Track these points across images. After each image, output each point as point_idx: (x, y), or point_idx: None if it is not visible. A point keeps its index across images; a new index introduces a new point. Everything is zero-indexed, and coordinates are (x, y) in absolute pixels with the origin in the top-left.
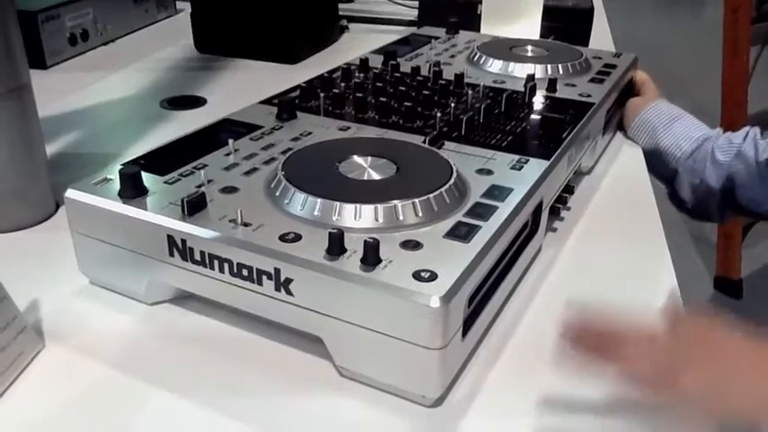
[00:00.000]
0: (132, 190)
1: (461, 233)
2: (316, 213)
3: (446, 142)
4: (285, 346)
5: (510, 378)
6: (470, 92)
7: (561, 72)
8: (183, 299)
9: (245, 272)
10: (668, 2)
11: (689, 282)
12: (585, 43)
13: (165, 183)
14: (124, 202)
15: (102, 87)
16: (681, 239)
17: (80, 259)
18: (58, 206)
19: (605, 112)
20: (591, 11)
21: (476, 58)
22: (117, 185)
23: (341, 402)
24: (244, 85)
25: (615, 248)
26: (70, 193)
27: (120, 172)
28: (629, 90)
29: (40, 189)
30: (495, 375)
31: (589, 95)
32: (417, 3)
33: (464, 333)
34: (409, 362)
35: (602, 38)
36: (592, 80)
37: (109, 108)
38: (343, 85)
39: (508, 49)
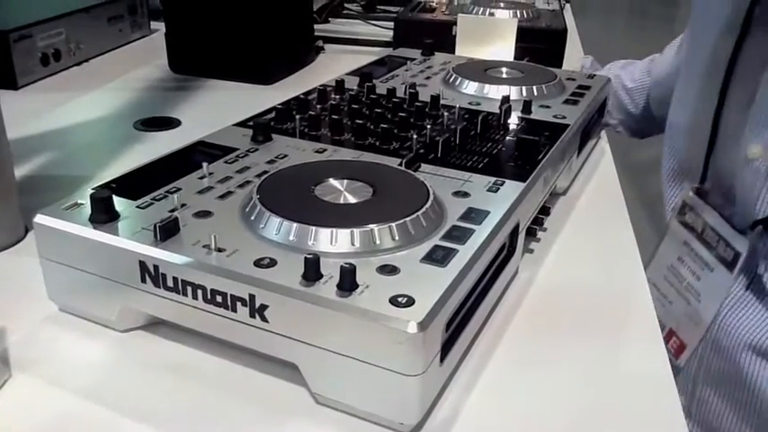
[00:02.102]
0: (103, 215)
1: (438, 257)
2: (291, 238)
3: (422, 164)
4: (260, 373)
5: (489, 403)
6: (446, 113)
7: (536, 94)
8: (156, 326)
9: (219, 298)
10: (639, 21)
11: None
12: (559, 64)
13: (138, 207)
14: (95, 228)
15: (74, 108)
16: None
17: (49, 286)
18: (27, 231)
19: (580, 132)
20: (564, 32)
21: (451, 80)
22: (88, 210)
23: (317, 430)
24: (219, 107)
25: (591, 269)
26: (39, 219)
27: (90, 196)
28: (603, 111)
29: (8, 213)
30: (474, 400)
31: (564, 117)
32: (393, 24)
33: (442, 358)
34: (387, 388)
35: (575, 59)
36: (566, 101)
37: (81, 129)
38: (318, 106)
39: (483, 71)
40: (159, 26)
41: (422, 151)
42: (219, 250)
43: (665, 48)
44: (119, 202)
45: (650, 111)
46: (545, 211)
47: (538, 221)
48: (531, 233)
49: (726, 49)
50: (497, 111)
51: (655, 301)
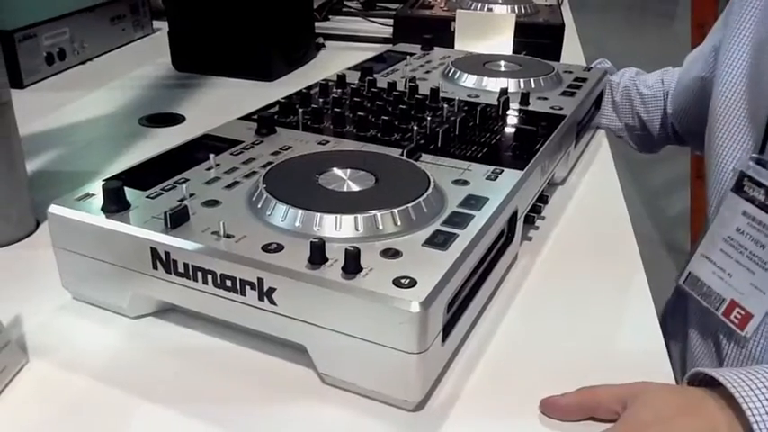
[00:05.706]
0: (115, 204)
1: (439, 241)
2: (297, 224)
3: (423, 154)
4: (268, 355)
5: (489, 382)
6: (446, 106)
7: (533, 86)
8: (167, 312)
9: (228, 283)
10: (638, 18)
11: (662, 290)
12: (557, 58)
13: (148, 197)
14: (107, 217)
15: (80, 106)
16: (653, 248)
17: (63, 274)
18: (38, 224)
19: (577, 124)
20: (562, 27)
21: (450, 74)
22: (100, 201)
23: (324, 409)
24: (221, 103)
25: (588, 257)
26: (53, 209)
27: (103, 187)
28: (600, 103)
29: (20, 207)
30: (475, 379)
31: (561, 108)
32: (392, 21)
33: (444, 338)
34: (391, 367)
35: (573, 53)
36: (563, 93)
37: (87, 126)
38: (321, 100)
39: (482, 65)
40: (161, 25)
41: (422, 142)
42: (228, 236)
43: (687, 58)
44: (129, 193)
45: (661, 121)
46: (543, 199)
47: (536, 210)
48: (529, 221)
49: None
50: (496, 103)
51: (711, 275)
